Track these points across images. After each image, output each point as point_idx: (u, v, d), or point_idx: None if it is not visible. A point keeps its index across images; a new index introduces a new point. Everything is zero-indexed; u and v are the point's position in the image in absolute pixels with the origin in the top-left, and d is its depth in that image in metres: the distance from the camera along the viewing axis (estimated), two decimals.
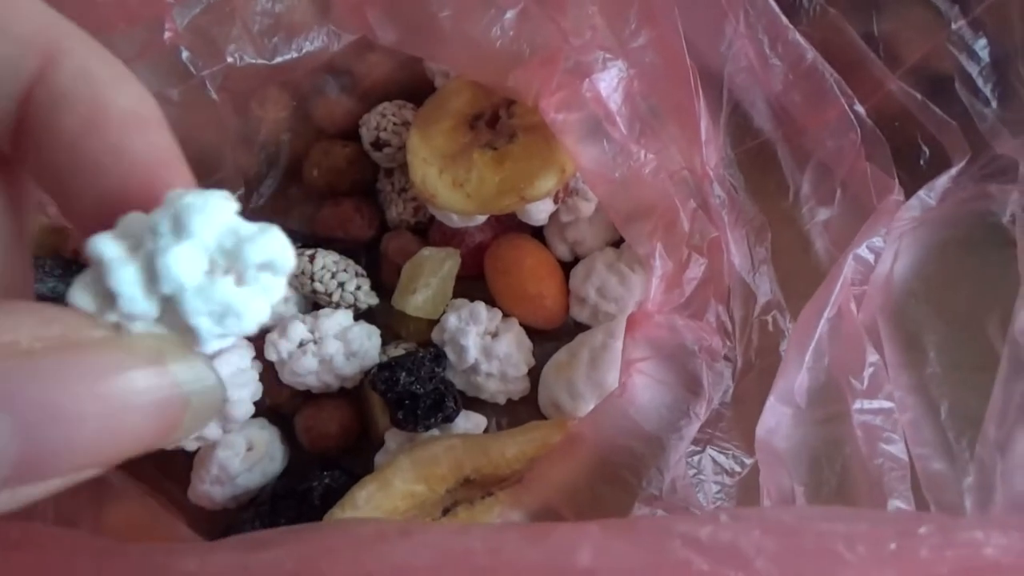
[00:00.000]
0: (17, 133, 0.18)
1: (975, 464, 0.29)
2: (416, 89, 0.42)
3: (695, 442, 0.33)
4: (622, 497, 0.31)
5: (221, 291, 0.16)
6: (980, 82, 0.34)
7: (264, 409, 0.39)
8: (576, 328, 0.40)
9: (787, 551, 0.20)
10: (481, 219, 0.40)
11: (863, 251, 0.33)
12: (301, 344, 0.37)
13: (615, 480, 0.31)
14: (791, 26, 0.34)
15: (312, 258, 0.39)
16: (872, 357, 0.32)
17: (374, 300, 0.40)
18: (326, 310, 0.39)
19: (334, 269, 0.39)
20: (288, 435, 0.40)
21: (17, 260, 0.20)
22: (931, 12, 0.35)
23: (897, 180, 0.34)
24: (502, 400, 0.40)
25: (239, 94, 0.39)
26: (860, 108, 0.34)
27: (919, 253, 0.36)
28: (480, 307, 0.39)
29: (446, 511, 0.34)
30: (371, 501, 0.33)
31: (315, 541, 0.22)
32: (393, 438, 0.38)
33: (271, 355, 0.37)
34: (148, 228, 0.16)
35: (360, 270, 0.40)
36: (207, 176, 0.40)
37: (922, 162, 0.36)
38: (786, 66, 0.34)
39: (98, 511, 0.31)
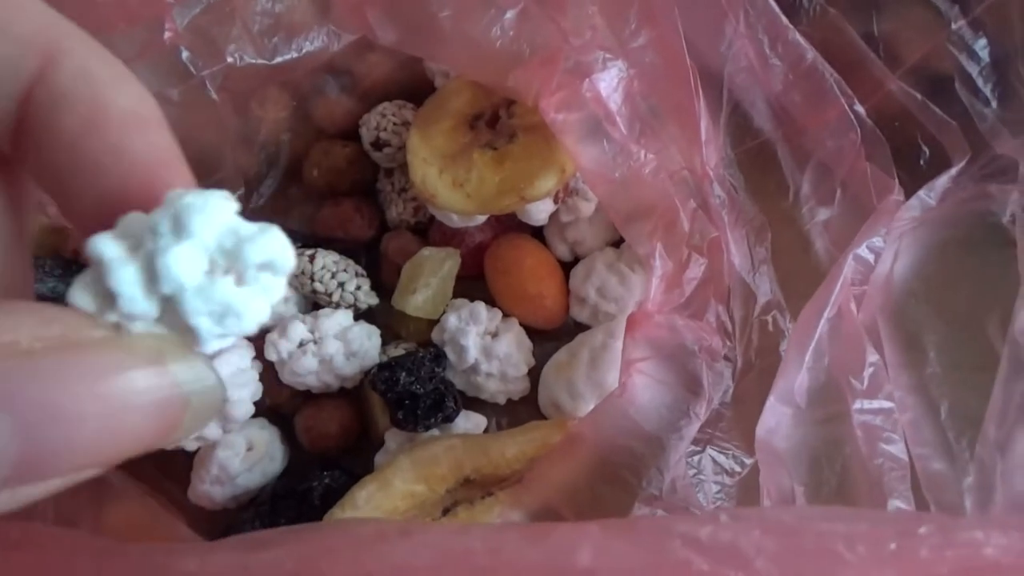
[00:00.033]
0: (17, 133, 0.18)
1: (975, 464, 0.29)
2: (416, 89, 0.42)
3: (695, 442, 0.33)
4: (622, 497, 0.31)
5: (221, 291, 0.16)
6: (980, 82, 0.34)
7: (264, 409, 0.39)
8: (576, 328, 0.40)
9: (787, 551, 0.20)
10: (481, 219, 0.40)
11: (863, 251, 0.33)
12: (301, 344, 0.37)
13: (615, 480, 0.31)
14: (791, 26, 0.34)
15: (312, 258, 0.39)
16: (872, 357, 0.32)
17: (374, 300, 0.40)
18: (326, 310, 0.39)
19: (334, 269, 0.39)
20: (288, 435, 0.40)
21: (17, 260, 0.20)
22: (931, 12, 0.35)
23: (897, 180, 0.34)
24: (502, 400, 0.40)
25: (239, 94, 0.39)
26: (860, 108, 0.34)
27: (919, 253, 0.36)
28: (480, 307, 0.39)
29: (446, 511, 0.34)
30: (371, 501, 0.33)
31: (315, 541, 0.22)
32: (393, 438, 0.38)
33: (271, 355, 0.37)
34: (148, 228, 0.16)
35: (360, 270, 0.40)
36: (207, 176, 0.40)
37: (922, 162, 0.36)
38: (786, 66, 0.34)
39: (98, 511, 0.31)
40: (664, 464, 0.31)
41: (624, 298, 0.38)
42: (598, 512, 0.31)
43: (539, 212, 0.39)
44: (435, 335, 0.40)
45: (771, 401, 0.31)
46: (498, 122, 0.37)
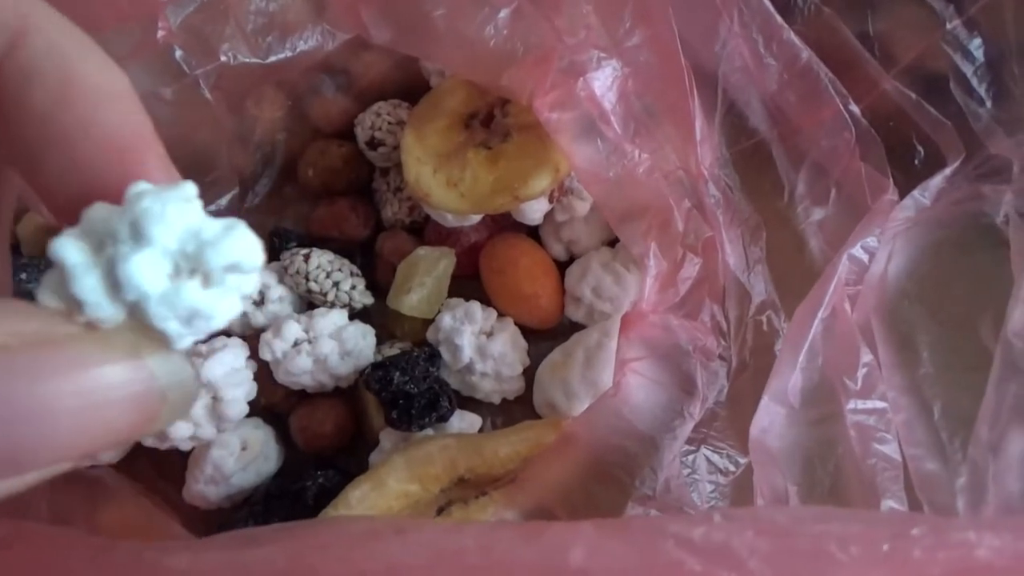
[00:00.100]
0: None
1: (968, 465, 0.29)
2: (412, 88, 0.42)
3: (689, 441, 0.34)
4: (616, 497, 0.31)
5: (186, 295, 0.16)
6: (975, 82, 0.35)
7: (259, 409, 0.39)
8: (571, 328, 0.40)
9: (780, 552, 0.20)
10: (476, 219, 0.40)
11: (857, 251, 0.33)
12: (296, 343, 0.37)
13: (609, 480, 0.31)
14: (786, 26, 0.34)
15: (307, 257, 0.39)
16: (866, 357, 0.32)
17: (369, 299, 0.40)
18: (321, 309, 0.39)
19: (329, 268, 0.39)
20: (283, 435, 0.40)
21: None
22: (926, 11, 0.35)
23: (892, 180, 0.34)
24: (497, 400, 0.40)
25: (233, 93, 0.39)
26: (855, 108, 0.35)
27: (913, 253, 0.36)
28: (475, 307, 0.39)
29: (440, 511, 0.33)
30: (365, 501, 0.33)
31: (307, 538, 0.22)
32: (388, 438, 0.38)
33: (266, 355, 0.37)
34: (108, 233, 0.16)
35: (355, 269, 0.40)
36: (202, 175, 0.40)
37: (916, 162, 0.36)
38: (781, 66, 0.34)
39: (92, 511, 0.31)
40: (658, 464, 0.31)
41: (619, 298, 0.38)
42: (592, 512, 0.31)
43: (534, 211, 0.39)
44: (430, 335, 0.40)
45: (765, 401, 0.31)
46: (492, 121, 0.37)
